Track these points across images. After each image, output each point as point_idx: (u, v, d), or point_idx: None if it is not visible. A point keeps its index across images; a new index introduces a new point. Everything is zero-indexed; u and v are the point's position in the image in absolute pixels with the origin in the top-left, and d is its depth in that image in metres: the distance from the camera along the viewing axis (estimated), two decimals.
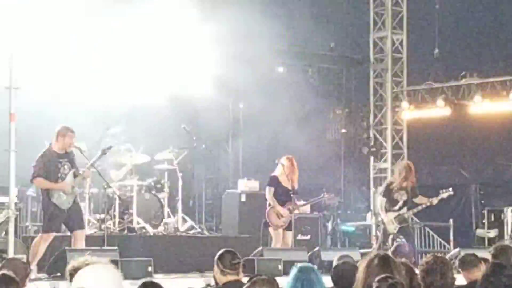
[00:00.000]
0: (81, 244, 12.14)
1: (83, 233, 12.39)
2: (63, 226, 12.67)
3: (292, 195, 13.96)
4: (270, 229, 14.11)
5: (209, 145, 18.05)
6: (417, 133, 20.06)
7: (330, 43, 20.34)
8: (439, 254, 6.35)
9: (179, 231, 15.44)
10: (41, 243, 11.98)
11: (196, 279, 11.49)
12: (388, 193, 14.60)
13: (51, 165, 12.08)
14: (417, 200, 14.57)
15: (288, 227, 14.09)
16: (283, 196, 14.03)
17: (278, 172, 14.11)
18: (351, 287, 6.24)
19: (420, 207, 14.61)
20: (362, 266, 5.80)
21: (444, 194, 14.57)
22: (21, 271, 7.06)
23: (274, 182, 14.10)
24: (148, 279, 4.48)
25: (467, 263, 7.62)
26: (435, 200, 14.50)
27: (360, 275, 5.70)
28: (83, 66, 14.22)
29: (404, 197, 14.42)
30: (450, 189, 14.62)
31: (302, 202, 14.72)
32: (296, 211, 14.25)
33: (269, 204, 14.04)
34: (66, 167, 12.18)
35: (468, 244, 17.36)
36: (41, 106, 13.62)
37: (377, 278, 5.24)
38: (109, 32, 14.47)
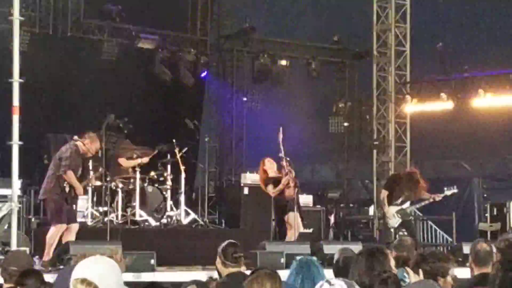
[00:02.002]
0: (73, 236, 12.26)
1: (77, 227, 12.52)
2: None
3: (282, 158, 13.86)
4: (289, 215, 13.89)
5: (212, 138, 18.06)
6: (420, 127, 20.04)
7: (334, 36, 20.32)
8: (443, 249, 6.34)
9: (182, 224, 15.46)
10: (57, 234, 12.09)
11: (199, 272, 11.50)
12: (391, 186, 14.59)
13: (77, 165, 12.22)
14: (420, 195, 14.54)
15: (293, 209, 14.00)
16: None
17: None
18: None
19: (422, 203, 14.59)
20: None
21: (448, 192, 14.52)
22: (24, 263, 7.09)
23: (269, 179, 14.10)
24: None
25: None
26: (438, 197, 14.46)
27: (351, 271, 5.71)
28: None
29: (407, 192, 14.40)
30: (455, 187, 14.56)
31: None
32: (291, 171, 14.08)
33: (273, 192, 13.96)
34: (80, 169, 12.35)
35: (471, 238, 17.32)
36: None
37: (372, 274, 5.24)
38: None
